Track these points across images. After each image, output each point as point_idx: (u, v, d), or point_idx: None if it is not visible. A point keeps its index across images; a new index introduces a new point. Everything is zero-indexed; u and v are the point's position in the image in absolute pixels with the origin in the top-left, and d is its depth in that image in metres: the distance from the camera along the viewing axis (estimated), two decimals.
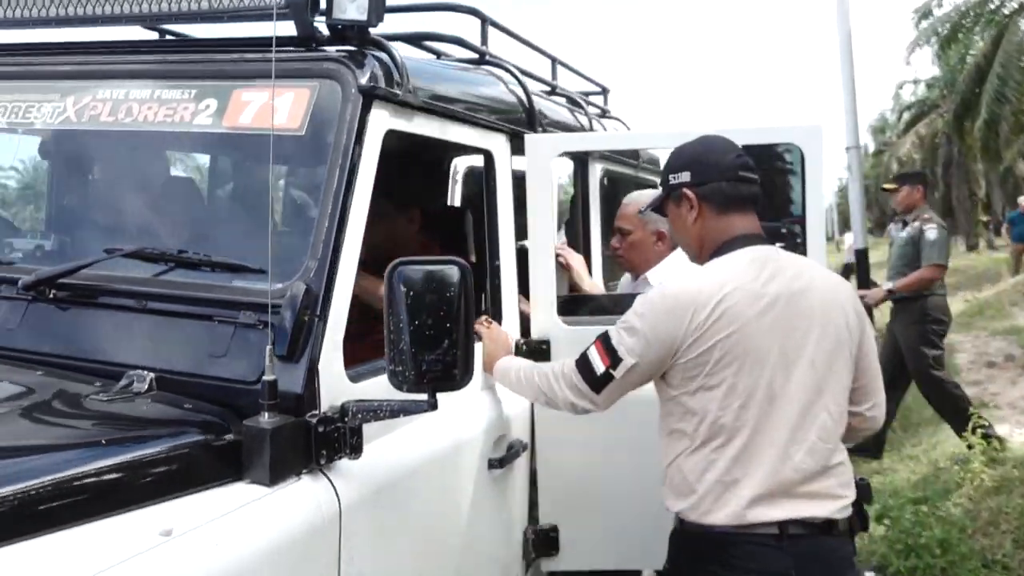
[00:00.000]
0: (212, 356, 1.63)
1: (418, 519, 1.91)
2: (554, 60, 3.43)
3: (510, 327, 2.49)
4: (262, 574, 1.40)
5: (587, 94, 4.16)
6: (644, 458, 2.42)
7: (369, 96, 1.79)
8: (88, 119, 1.96)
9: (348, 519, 1.61)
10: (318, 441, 1.56)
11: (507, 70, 2.71)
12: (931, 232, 5.46)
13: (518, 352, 2.52)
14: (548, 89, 3.36)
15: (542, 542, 2.56)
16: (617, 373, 1.94)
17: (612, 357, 1.95)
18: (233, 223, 1.89)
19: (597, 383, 1.98)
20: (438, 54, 2.85)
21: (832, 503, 1.88)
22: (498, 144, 2.45)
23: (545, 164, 2.56)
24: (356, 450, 1.62)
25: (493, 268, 2.44)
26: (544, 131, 2.75)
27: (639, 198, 3.01)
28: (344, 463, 1.65)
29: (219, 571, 1.30)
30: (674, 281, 2.04)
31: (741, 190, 2.02)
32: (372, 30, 1.89)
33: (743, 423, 1.84)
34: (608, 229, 3.64)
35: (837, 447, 1.92)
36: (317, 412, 1.59)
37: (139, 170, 2.02)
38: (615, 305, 2.87)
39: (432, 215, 2.68)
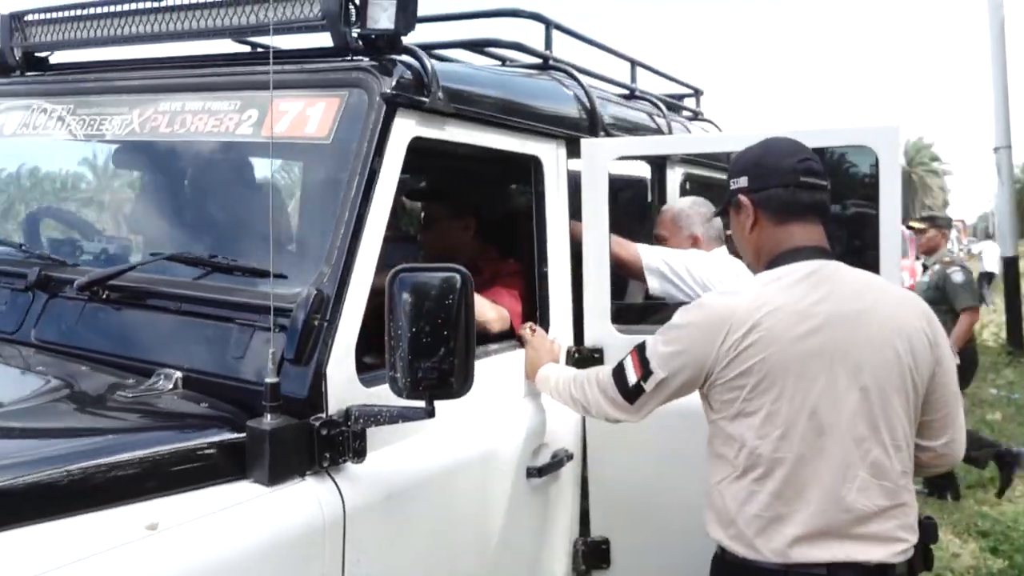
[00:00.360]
0: (233, 357, 1.69)
1: (440, 525, 1.91)
2: (632, 62, 3.36)
3: (560, 334, 2.46)
4: (253, 571, 1.44)
5: (679, 97, 4.06)
6: (700, 472, 2.35)
7: (392, 104, 1.82)
8: (149, 130, 2.09)
9: (354, 522, 1.63)
10: (321, 444, 1.60)
11: (569, 74, 2.68)
12: (957, 275, 5.29)
13: (569, 359, 2.49)
14: (626, 92, 3.31)
15: (593, 554, 2.51)
16: (647, 386, 1.88)
17: (644, 368, 1.89)
18: (267, 229, 1.96)
19: (630, 394, 1.93)
20: (503, 60, 2.86)
21: (889, 546, 1.72)
22: (548, 150, 2.42)
23: (601, 169, 2.51)
24: (359, 454, 1.64)
25: (541, 274, 2.42)
26: (608, 135, 2.70)
27: (674, 205, 2.94)
28: (354, 467, 1.67)
29: (202, 566, 1.35)
30: (716, 295, 1.95)
31: (801, 197, 1.89)
32: (406, 38, 1.92)
33: (783, 455, 1.71)
34: None
35: (898, 486, 1.75)
36: (322, 415, 1.62)
37: (189, 178, 2.13)
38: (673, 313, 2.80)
39: (490, 221, 2.68)
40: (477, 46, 2.65)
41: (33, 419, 1.59)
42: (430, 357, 1.52)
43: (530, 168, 2.41)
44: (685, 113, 3.97)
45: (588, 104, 2.64)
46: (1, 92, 2.45)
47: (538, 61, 2.72)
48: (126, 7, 2.19)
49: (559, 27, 2.76)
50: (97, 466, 1.37)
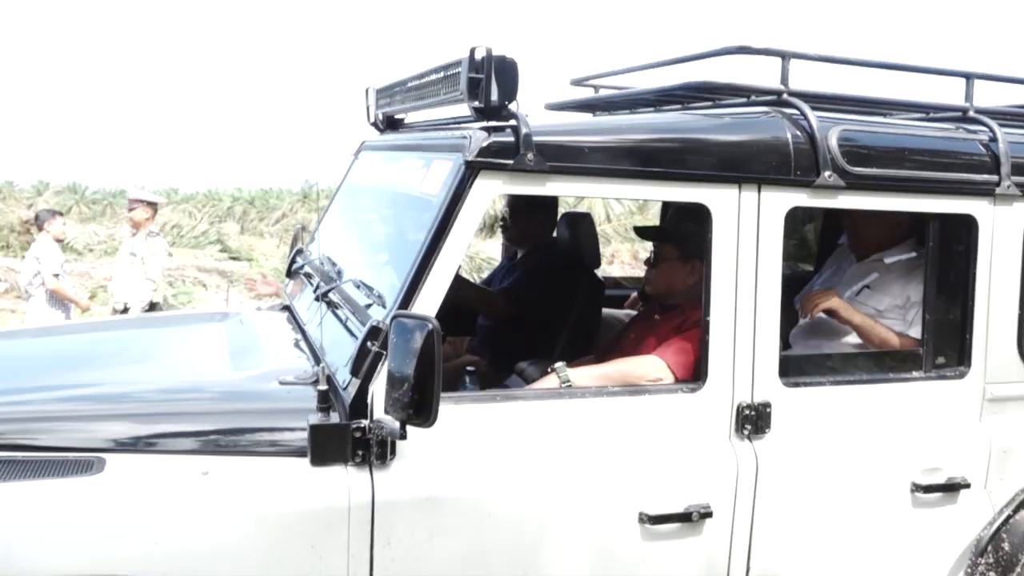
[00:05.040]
0: (342, 366, 2.22)
1: (479, 538, 2.13)
2: (967, 76, 2.79)
3: (722, 388, 2.37)
4: (284, 520, 1.97)
5: None
6: None
7: (473, 167, 2.11)
8: (384, 182, 2.75)
9: (383, 510, 2.02)
10: (353, 443, 2.03)
11: (799, 108, 2.47)
12: None
13: (739, 415, 2.38)
14: (955, 116, 2.79)
15: None
16: None
17: None
18: (399, 266, 2.39)
19: None
20: (749, 95, 2.73)
21: None
22: (722, 197, 2.33)
23: (776, 217, 2.35)
24: (381, 458, 2.03)
25: (704, 324, 2.36)
26: (846, 177, 2.39)
27: None
28: (397, 467, 2.06)
29: (231, 503, 1.93)
30: None
31: None
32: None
33: None
34: None
35: None
36: (362, 420, 2.04)
37: (378, 220, 2.73)
38: (842, 365, 2.54)
39: None
40: (694, 90, 2.63)
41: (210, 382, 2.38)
42: (399, 388, 1.84)
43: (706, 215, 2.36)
44: None
45: (806, 142, 2.40)
46: (368, 147, 3.36)
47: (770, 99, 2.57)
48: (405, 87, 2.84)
49: (801, 55, 2.54)
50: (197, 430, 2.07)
